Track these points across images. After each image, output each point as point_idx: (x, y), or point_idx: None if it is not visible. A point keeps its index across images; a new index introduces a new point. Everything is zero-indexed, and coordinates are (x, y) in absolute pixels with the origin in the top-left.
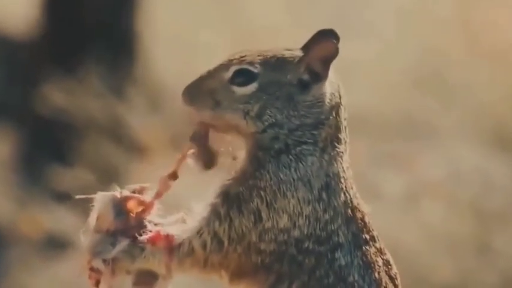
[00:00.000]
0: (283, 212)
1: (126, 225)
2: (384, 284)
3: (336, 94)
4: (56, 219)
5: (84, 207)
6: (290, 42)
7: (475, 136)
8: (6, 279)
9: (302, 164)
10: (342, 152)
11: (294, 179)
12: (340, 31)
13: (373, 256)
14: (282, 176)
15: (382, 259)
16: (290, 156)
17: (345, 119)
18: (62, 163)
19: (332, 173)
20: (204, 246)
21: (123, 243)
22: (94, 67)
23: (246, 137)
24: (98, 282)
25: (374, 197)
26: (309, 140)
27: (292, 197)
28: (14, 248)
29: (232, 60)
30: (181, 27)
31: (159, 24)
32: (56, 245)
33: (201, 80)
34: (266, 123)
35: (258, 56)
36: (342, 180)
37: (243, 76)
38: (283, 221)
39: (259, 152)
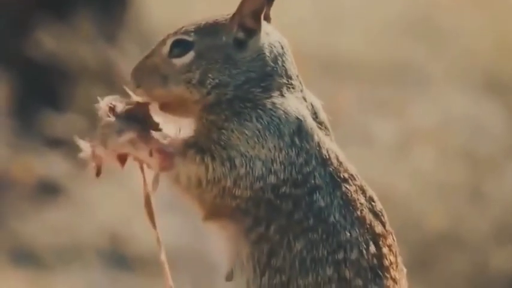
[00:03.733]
0: (256, 159)
1: (132, 112)
2: (368, 221)
3: (277, 44)
4: (49, 165)
5: (77, 153)
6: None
7: (465, 82)
8: None
9: (261, 111)
10: (302, 98)
11: (259, 130)
12: None
13: (353, 194)
14: (247, 132)
15: (365, 196)
16: (248, 106)
17: (294, 68)
18: (54, 109)
19: (301, 116)
20: (188, 178)
21: (129, 134)
22: (86, 12)
23: (195, 106)
24: (99, 170)
25: (365, 143)
26: (260, 90)
27: (263, 147)
28: (6, 193)
29: (169, 34)
30: None
31: None
32: (48, 190)
33: (145, 59)
34: (209, 87)
35: (193, 25)
36: (311, 122)
37: (180, 47)
38: (258, 168)
39: (209, 112)
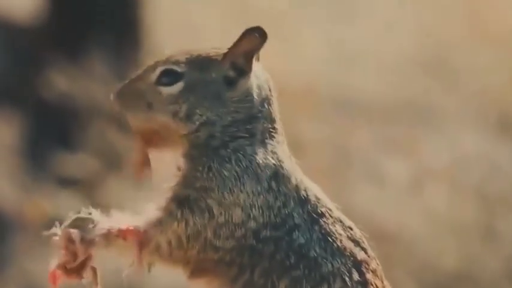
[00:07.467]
0: (235, 206)
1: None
2: (348, 250)
3: (265, 86)
4: (60, 204)
5: (89, 192)
6: (292, 25)
7: (478, 121)
8: (10, 264)
9: (241, 155)
10: (282, 142)
11: (237, 173)
12: (342, 14)
13: (331, 226)
14: (225, 172)
15: (343, 226)
16: (228, 150)
17: (277, 109)
18: (66, 149)
19: (278, 161)
20: (168, 243)
21: (102, 228)
22: (98, 52)
23: (181, 138)
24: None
25: (377, 182)
26: (245, 135)
27: (241, 191)
28: (18, 233)
29: (159, 61)
30: (186, 11)
31: (164, 8)
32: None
33: (130, 83)
34: (197, 123)
35: (185, 55)
36: (289, 166)
37: (169, 76)
38: (237, 215)
39: (195, 152)
